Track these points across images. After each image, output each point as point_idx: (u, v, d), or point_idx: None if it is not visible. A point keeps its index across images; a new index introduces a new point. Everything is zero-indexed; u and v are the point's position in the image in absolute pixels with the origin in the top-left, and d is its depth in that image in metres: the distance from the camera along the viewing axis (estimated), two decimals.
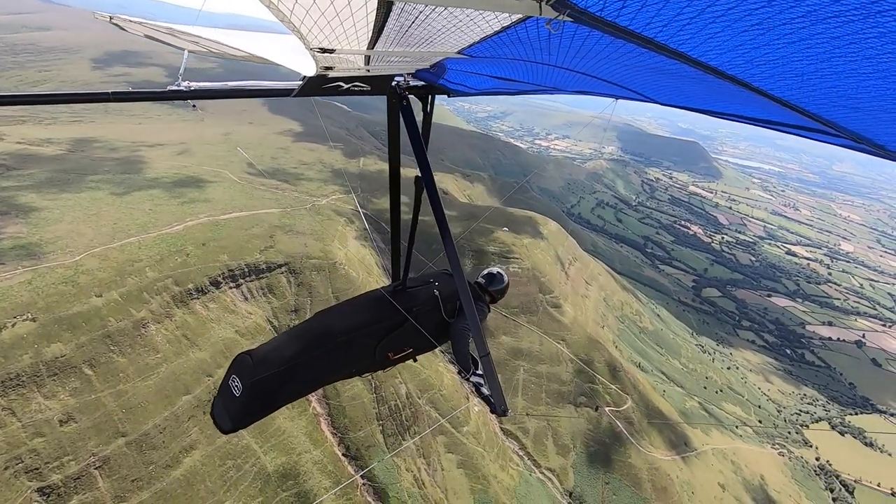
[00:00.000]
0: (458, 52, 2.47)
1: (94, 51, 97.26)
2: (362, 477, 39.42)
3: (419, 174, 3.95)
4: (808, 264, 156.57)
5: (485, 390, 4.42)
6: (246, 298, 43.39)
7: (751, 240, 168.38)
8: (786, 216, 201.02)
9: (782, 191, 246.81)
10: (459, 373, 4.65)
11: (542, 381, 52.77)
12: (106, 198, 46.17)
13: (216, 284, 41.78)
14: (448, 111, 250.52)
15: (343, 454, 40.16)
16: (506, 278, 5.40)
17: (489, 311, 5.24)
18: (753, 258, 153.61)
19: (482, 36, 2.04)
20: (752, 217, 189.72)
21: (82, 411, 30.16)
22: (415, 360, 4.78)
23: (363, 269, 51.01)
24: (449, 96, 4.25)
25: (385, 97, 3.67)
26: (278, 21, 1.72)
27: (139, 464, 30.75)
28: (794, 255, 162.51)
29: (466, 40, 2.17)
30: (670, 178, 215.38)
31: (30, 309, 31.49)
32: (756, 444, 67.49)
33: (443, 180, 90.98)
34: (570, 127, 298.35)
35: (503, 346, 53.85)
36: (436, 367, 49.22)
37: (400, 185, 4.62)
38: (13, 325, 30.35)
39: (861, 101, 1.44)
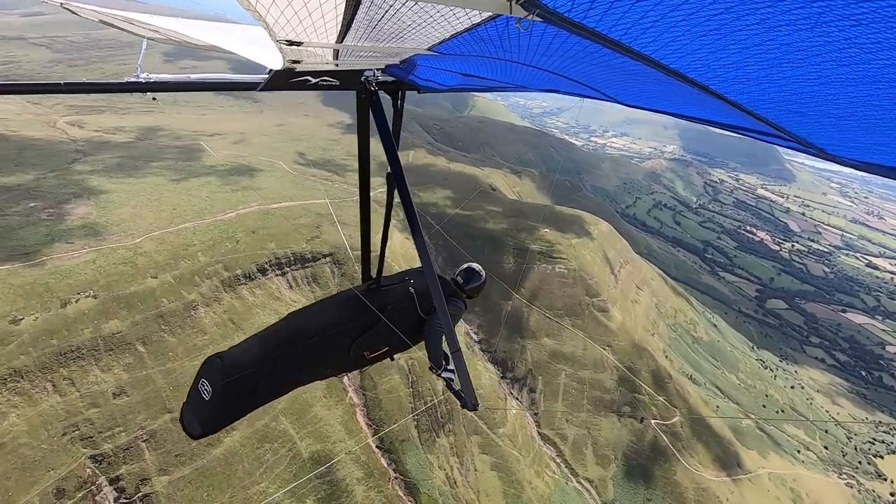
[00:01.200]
0: (429, 49, 2.46)
1: (167, 45, 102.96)
2: (395, 470, 39.47)
3: (389, 171, 3.92)
4: (893, 278, 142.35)
5: (455, 385, 4.46)
6: (290, 286, 44.38)
7: (825, 249, 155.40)
8: (868, 225, 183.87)
9: (865, 197, 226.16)
10: (431, 368, 4.65)
11: (585, 387, 50.81)
12: (167, 184, 48.54)
13: (263, 271, 42.98)
14: (502, 106, 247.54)
15: (377, 446, 40.37)
16: (483, 275, 5.33)
17: (466, 308, 5.19)
18: (827, 269, 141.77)
19: (452, 33, 2.03)
20: (828, 225, 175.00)
21: (134, 386, 31.79)
22: (392, 359, 4.75)
23: (406, 261, 50.95)
24: (419, 92, 4.18)
25: (354, 93, 3.60)
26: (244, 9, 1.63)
27: (182, 440, 32.04)
28: (876, 267, 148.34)
29: (437, 37, 2.16)
30: (736, 179, 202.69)
31: (92, 286, 33.51)
32: (820, 471, 62.09)
33: (491, 175, 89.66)
34: (629, 124, 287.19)
35: (545, 347, 52.30)
36: (474, 364, 48.51)
37: (370, 182, 4.53)
38: (77, 301, 32.38)
39: (804, 106, 1.50)
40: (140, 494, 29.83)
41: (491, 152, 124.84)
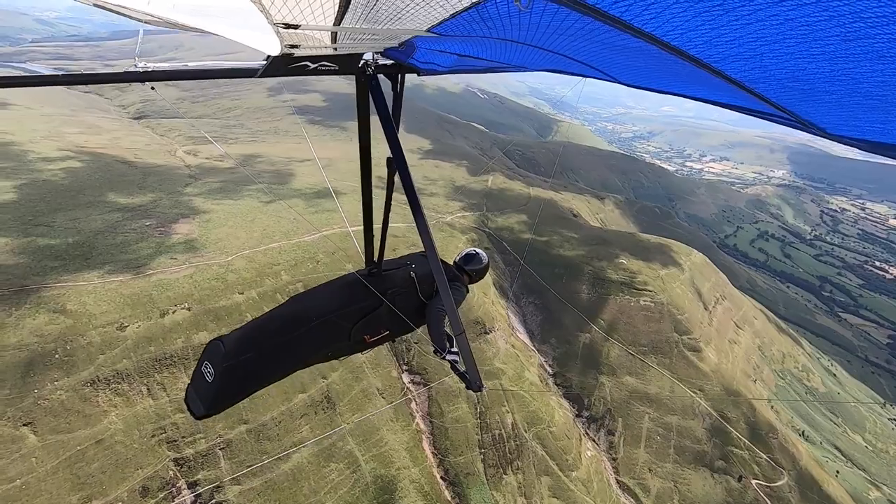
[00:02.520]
0: (428, 31, 2.45)
1: (272, 81, 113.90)
2: None
3: (390, 155, 3.94)
4: None
5: (460, 367, 4.54)
6: None
7: None
8: None
9: None
10: (435, 352, 4.66)
11: (672, 434, 45.89)
12: (258, 205, 52.31)
13: None
14: (588, 131, 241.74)
15: (441, 477, 39.19)
16: (485, 259, 5.37)
17: (467, 292, 5.20)
18: None
19: (452, 13, 2.01)
20: None
21: None
22: (393, 342, 5.44)
23: (478, 287, 50.08)
24: (419, 75, 4.08)
25: (353, 77, 3.56)
26: None
27: (255, 451, 33.27)
28: None
29: (436, 17, 2.15)
30: (862, 208, 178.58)
31: (187, 299, 36.45)
32: None
33: (572, 201, 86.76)
34: (730, 148, 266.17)
35: (626, 386, 48.24)
36: (547, 399, 45.88)
37: (371, 166, 4.50)
38: (173, 312, 35.32)
39: (808, 84, 1.49)
40: (214, 501, 31.21)
41: (574, 177, 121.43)
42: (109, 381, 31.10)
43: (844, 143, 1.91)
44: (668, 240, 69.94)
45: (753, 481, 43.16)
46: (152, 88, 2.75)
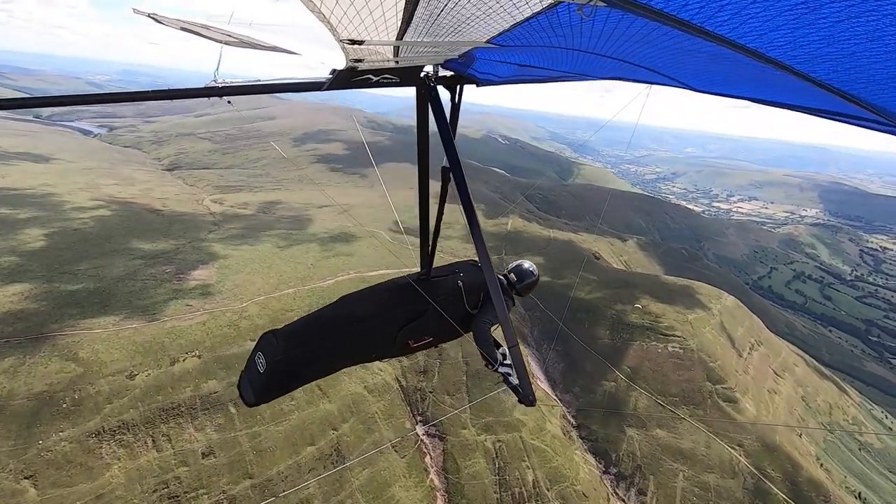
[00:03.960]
0: (488, 42, 2.47)
1: (297, 132, 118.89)
2: None
3: (446, 164, 4.04)
4: None
5: (513, 380, 4.45)
6: None
7: None
8: None
9: None
10: (486, 365, 4.64)
11: (710, 494, 41.99)
12: (275, 250, 52.80)
13: None
14: (611, 174, 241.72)
15: None
16: (536, 272, 5.35)
17: (514, 305, 5.11)
18: None
19: (512, 23, 2.02)
20: None
21: (222, 447, 32.61)
22: (434, 347, 4.78)
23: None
24: (478, 86, 4.14)
25: (414, 88, 3.66)
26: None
27: None
28: None
29: (496, 28, 2.16)
30: None
31: (199, 346, 36.16)
32: None
33: (595, 243, 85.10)
34: (758, 188, 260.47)
35: (657, 440, 44.88)
36: (571, 454, 42.96)
37: (428, 175, 4.65)
38: (184, 360, 34.99)
39: None
40: None
41: (597, 220, 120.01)
42: (115, 431, 30.49)
43: None
44: (694, 281, 67.17)
45: None
46: (228, 102, 2.93)
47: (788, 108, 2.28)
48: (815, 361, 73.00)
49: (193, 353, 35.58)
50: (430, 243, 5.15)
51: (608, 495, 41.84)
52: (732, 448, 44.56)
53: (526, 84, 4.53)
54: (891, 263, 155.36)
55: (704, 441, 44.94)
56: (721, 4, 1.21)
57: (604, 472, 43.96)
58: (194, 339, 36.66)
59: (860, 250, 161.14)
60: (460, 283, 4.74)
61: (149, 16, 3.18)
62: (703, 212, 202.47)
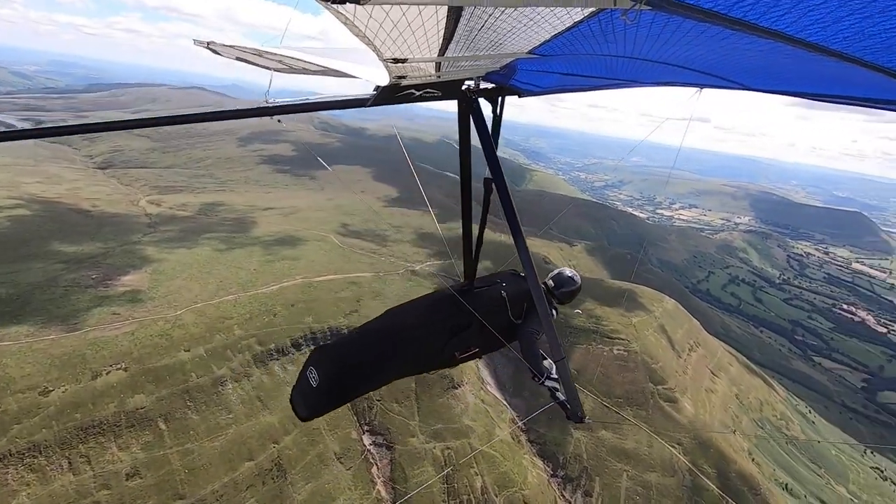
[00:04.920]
0: (529, 52, 2.48)
1: (243, 132, 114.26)
2: None
3: (488, 175, 4.05)
4: None
5: (560, 395, 4.43)
6: None
7: None
8: None
9: None
10: (533, 377, 4.61)
11: (651, 493, 43.24)
12: (215, 255, 50.19)
13: (297, 346, 41.80)
14: (562, 180, 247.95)
15: None
16: (578, 281, 5.24)
17: (557, 314, 4.92)
18: None
19: (553, 34, 2.01)
20: None
21: (149, 467, 30.30)
22: (479, 359, 4.84)
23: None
24: (520, 97, 4.14)
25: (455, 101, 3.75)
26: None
27: None
28: None
29: (537, 39, 2.18)
30: (825, 253, 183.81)
31: (125, 358, 33.57)
32: None
33: (545, 248, 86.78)
34: (697, 196, 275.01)
35: (602, 442, 45.83)
36: (519, 459, 43.09)
37: (471, 187, 4.53)
38: (107, 374, 32.36)
39: None
40: None
41: (548, 226, 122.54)
42: (24, 454, 27.63)
43: None
44: (637, 286, 69.62)
45: None
46: (279, 121, 3.04)
47: (861, 104, 2.15)
48: (747, 361, 77.32)
49: (119, 366, 32.98)
50: (475, 254, 4.99)
51: (555, 498, 42.24)
52: (672, 447, 46.19)
53: (569, 93, 4.55)
54: (814, 268, 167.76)
55: (647, 441, 46.33)
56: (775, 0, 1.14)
57: (552, 476, 44.38)
58: (120, 350, 34.02)
59: (787, 255, 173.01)
60: (504, 294, 4.68)
61: (207, 46, 3.38)
62: (648, 218, 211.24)
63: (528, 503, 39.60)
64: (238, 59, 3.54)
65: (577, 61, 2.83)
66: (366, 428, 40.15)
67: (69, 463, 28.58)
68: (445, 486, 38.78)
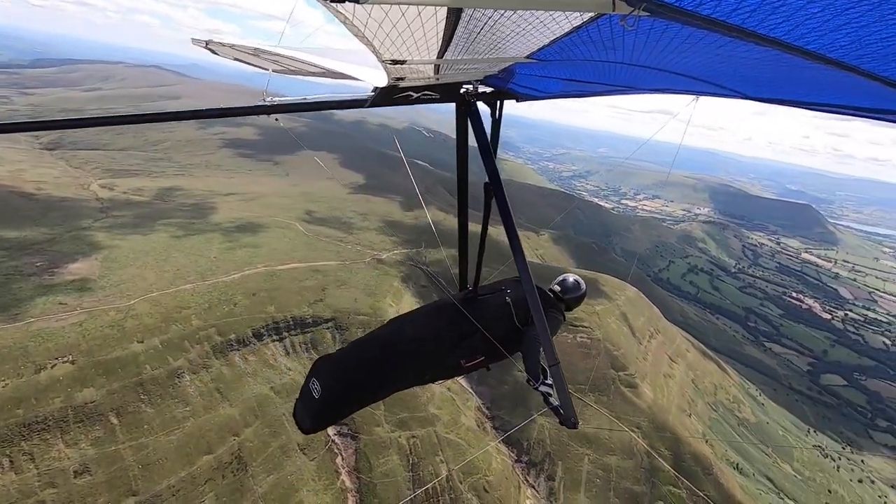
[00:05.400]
0: (528, 57, 2.50)
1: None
2: None
3: (487, 181, 4.00)
4: None
5: (553, 401, 4.31)
6: (287, 353, 41.83)
7: (884, 319, 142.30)
8: None
9: None
10: (528, 381, 4.47)
11: (611, 476, 44.66)
12: (171, 241, 48.23)
13: (259, 336, 40.77)
14: (531, 170, 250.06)
15: None
16: (583, 286, 5.25)
17: (564, 320, 5.04)
18: (889, 341, 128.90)
19: (552, 38, 2.03)
20: (884, 292, 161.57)
21: (99, 463, 29.05)
22: (488, 369, 4.69)
23: None
24: (518, 101, 4.12)
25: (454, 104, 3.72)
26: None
27: None
28: None
29: (536, 43, 2.18)
30: (777, 243, 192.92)
31: (72, 351, 31.89)
32: None
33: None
34: (661, 187, 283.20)
35: (565, 428, 46.75)
36: (484, 446, 43.59)
37: (468, 192, 4.57)
38: (52, 367, 30.70)
39: None
40: None
41: (516, 215, 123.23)
42: None
43: None
44: (600, 274, 71.12)
45: None
46: (276, 119, 3.03)
47: (860, 113, 2.14)
48: (703, 347, 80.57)
49: (65, 359, 31.33)
50: (477, 261, 4.97)
51: (519, 483, 43.06)
52: (632, 431, 47.70)
53: (568, 98, 4.43)
54: (766, 257, 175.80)
55: (608, 425, 47.69)
56: (774, 6, 1.13)
57: (516, 461, 45.17)
58: (67, 342, 32.29)
59: (742, 245, 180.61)
60: (508, 300, 4.60)
61: (206, 46, 3.38)
62: (613, 208, 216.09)
63: (492, 489, 40.17)
64: (236, 59, 3.53)
65: (576, 67, 2.84)
66: None
67: (10, 461, 27.08)
68: (410, 474, 38.89)
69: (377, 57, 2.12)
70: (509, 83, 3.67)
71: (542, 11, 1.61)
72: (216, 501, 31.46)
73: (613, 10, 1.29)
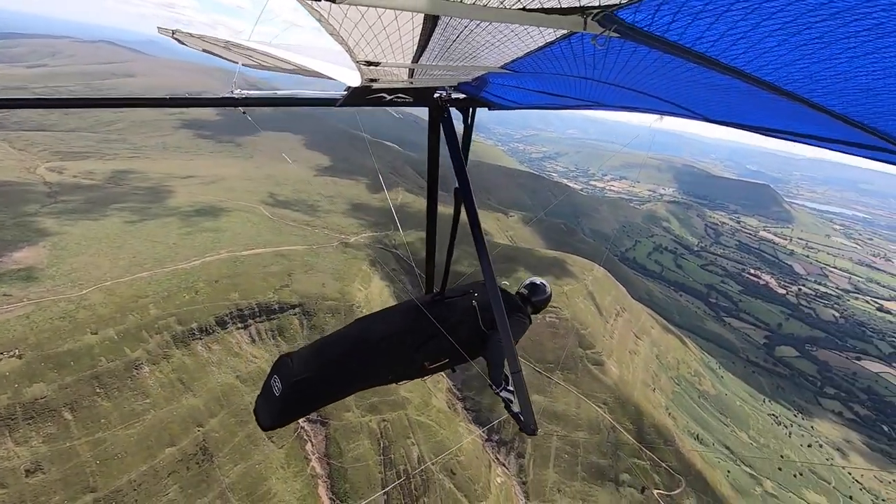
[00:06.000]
0: (502, 67, 2.54)
1: (160, 93, 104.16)
2: None
3: (457, 186, 4.04)
4: None
5: (514, 407, 4.38)
6: (253, 341, 40.86)
7: (834, 293, 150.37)
8: (875, 267, 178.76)
9: (870, 239, 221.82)
10: (490, 386, 4.52)
11: (579, 451, 45.95)
12: (127, 227, 46.10)
13: (222, 324, 39.60)
14: (501, 151, 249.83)
15: None
16: (548, 289, 5.31)
17: (530, 323, 5.05)
18: (837, 314, 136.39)
19: (526, 51, 2.08)
20: (835, 267, 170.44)
21: (53, 461, 27.82)
22: (453, 371, 4.74)
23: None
24: (490, 109, 4.20)
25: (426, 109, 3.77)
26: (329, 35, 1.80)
27: None
28: (889, 311, 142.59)
29: (510, 55, 2.23)
30: (737, 222, 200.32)
31: (18, 345, 30.17)
32: None
33: (484, 220, 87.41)
34: (627, 168, 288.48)
35: (535, 406, 46.77)
36: (455, 426, 44.05)
37: (437, 195, 4.52)
38: None
39: None
40: None
41: (486, 196, 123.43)
42: None
43: None
44: (568, 255, 72.07)
45: (655, 491, 44.16)
46: (243, 112, 2.93)
47: (807, 141, 2.24)
48: (667, 323, 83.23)
49: (11, 353, 29.63)
50: (445, 264, 5.03)
51: (490, 462, 43.79)
52: (598, 407, 49.03)
53: (538, 110, 4.50)
54: (727, 236, 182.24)
55: (575, 402, 48.86)
56: (735, 38, 1.19)
57: (486, 440, 45.86)
58: (13, 335, 30.52)
59: (705, 224, 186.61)
60: (475, 304, 4.60)
61: (172, 35, 3.32)
62: (582, 189, 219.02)
63: (463, 469, 40.72)
64: (205, 51, 3.36)
65: (548, 80, 2.89)
66: None
67: None
68: (382, 457, 38.97)
69: (351, 57, 2.10)
70: (483, 91, 3.71)
71: (518, 25, 1.60)
72: (181, 493, 30.74)
73: (585, 30, 1.35)
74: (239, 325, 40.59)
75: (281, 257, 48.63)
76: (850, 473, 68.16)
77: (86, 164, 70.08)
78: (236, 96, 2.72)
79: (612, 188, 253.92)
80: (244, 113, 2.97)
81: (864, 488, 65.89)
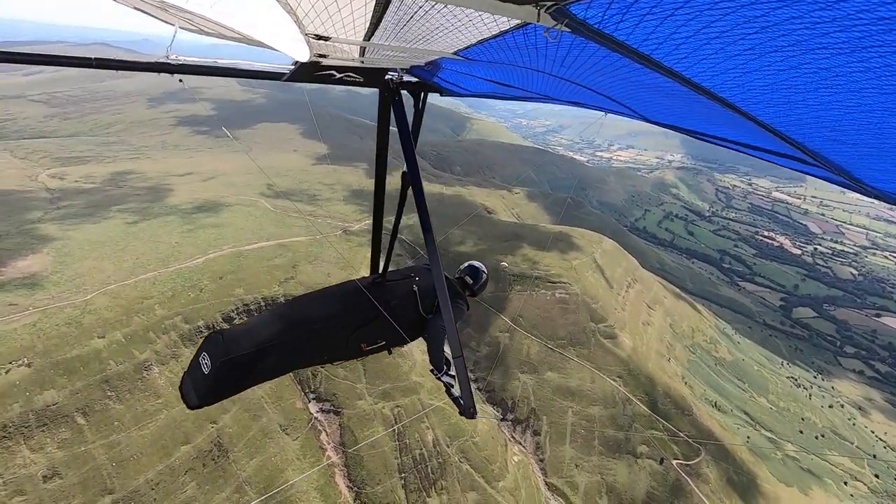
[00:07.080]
0: (454, 53, 2.54)
1: (154, 91, 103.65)
2: None
3: (405, 169, 4.05)
4: None
5: (455, 391, 4.59)
6: None
7: (851, 250, 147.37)
8: (893, 221, 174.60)
9: None
10: (431, 371, 4.79)
11: (595, 425, 45.65)
12: (127, 228, 45.96)
13: (229, 320, 39.48)
14: (503, 128, 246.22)
15: None
16: (484, 273, 5.34)
17: (468, 309, 5.09)
18: (855, 271, 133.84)
19: (479, 38, 2.10)
20: (851, 224, 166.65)
21: (69, 465, 28.08)
22: (389, 353, 4.69)
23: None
24: (441, 95, 4.27)
25: (378, 90, 3.70)
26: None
27: None
28: None
29: (463, 41, 2.23)
30: (749, 184, 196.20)
31: (27, 353, 30.26)
32: None
33: (488, 198, 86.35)
34: (633, 136, 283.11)
35: (548, 383, 47.43)
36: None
37: (385, 178, 4.54)
38: (7, 372, 29.09)
39: (844, 134, 1.52)
40: None
41: (490, 174, 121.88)
42: None
43: (882, 199, 1.86)
44: (574, 228, 70.90)
45: (674, 462, 43.87)
46: (180, 80, 2.82)
47: (737, 148, 2.30)
48: (680, 292, 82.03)
49: (20, 362, 29.73)
50: (388, 246, 5.05)
51: (506, 441, 43.71)
52: (613, 380, 48.55)
53: (489, 99, 4.51)
54: (739, 199, 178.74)
55: (589, 377, 48.40)
56: (677, 43, 1.27)
57: (501, 420, 45.75)
58: (21, 345, 30.59)
59: (715, 189, 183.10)
60: (415, 288, 4.62)
61: None
62: (588, 161, 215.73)
63: (479, 450, 40.68)
64: (136, 8, 3.24)
65: (499, 70, 2.91)
66: (311, 396, 39.21)
67: None
68: (397, 443, 39.00)
69: (300, 28, 2.04)
70: (435, 76, 3.69)
71: (473, 11, 1.61)
72: (198, 490, 31.01)
73: (538, 22, 1.40)
74: (245, 320, 40.48)
75: (284, 249, 48.29)
76: (873, 432, 67.32)
77: (86, 169, 70.03)
78: (171, 62, 2.49)
79: (618, 158, 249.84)
80: (181, 81, 2.79)
81: (888, 446, 65.10)
